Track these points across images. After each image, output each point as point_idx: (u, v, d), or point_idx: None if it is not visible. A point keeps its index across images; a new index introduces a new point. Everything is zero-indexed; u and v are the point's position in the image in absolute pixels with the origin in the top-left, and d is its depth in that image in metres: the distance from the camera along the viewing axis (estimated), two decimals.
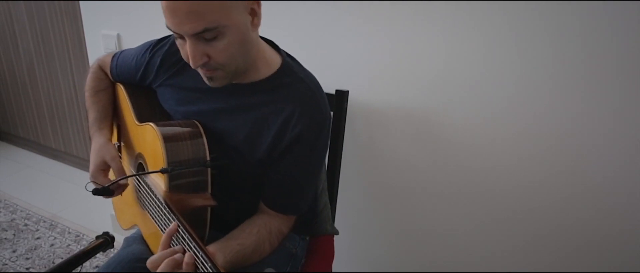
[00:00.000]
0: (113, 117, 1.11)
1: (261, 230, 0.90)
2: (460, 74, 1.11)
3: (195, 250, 0.72)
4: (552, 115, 1.04)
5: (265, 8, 1.31)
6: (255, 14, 0.82)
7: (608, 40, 0.94)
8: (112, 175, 1.02)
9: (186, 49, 0.79)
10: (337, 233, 1.21)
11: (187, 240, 0.74)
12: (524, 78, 1.04)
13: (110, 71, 1.11)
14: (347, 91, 1.18)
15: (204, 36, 0.76)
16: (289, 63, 0.93)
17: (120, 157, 1.07)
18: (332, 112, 1.20)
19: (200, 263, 0.70)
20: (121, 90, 1.09)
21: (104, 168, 0.96)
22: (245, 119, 0.90)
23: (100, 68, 1.14)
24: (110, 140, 1.03)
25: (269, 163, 0.91)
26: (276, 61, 0.92)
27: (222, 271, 0.67)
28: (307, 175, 0.95)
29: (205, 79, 0.85)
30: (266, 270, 0.63)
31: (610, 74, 0.96)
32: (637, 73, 0.94)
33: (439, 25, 1.09)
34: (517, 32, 1.02)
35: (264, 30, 1.02)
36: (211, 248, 0.80)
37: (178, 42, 0.82)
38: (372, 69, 1.21)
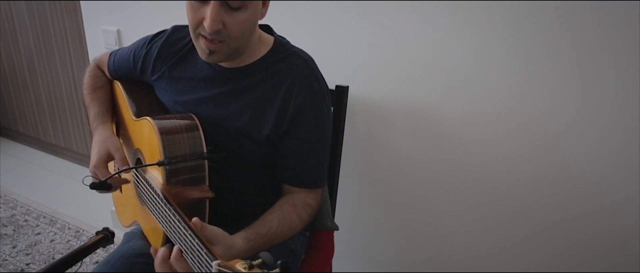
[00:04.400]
0: (113, 113, 1.11)
1: (284, 205, 0.92)
2: (460, 69, 1.10)
3: (192, 241, 0.71)
4: (551, 111, 1.04)
5: None
6: (266, 5, 0.86)
7: (608, 38, 0.94)
8: (112, 171, 1.02)
9: (201, 14, 0.80)
10: (337, 228, 1.21)
11: (184, 231, 0.74)
12: (523, 74, 1.04)
13: (108, 68, 1.12)
14: (347, 86, 1.18)
15: (230, 4, 0.78)
16: (281, 40, 0.97)
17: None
18: (332, 108, 1.20)
19: (198, 254, 0.69)
20: (118, 88, 1.09)
21: (108, 159, 0.96)
22: (248, 100, 0.92)
23: (98, 67, 1.16)
24: (114, 133, 1.03)
25: (277, 140, 0.93)
26: (269, 41, 0.95)
27: (219, 260, 0.66)
28: (317, 144, 0.96)
29: (203, 55, 0.86)
30: (260, 254, 0.63)
31: (609, 70, 0.96)
32: (637, 71, 0.94)
33: (438, 20, 1.08)
34: (517, 28, 1.01)
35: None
36: (236, 237, 0.80)
37: (193, 5, 0.81)
38: (372, 65, 1.20)
